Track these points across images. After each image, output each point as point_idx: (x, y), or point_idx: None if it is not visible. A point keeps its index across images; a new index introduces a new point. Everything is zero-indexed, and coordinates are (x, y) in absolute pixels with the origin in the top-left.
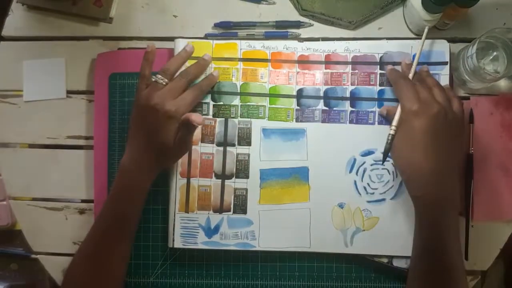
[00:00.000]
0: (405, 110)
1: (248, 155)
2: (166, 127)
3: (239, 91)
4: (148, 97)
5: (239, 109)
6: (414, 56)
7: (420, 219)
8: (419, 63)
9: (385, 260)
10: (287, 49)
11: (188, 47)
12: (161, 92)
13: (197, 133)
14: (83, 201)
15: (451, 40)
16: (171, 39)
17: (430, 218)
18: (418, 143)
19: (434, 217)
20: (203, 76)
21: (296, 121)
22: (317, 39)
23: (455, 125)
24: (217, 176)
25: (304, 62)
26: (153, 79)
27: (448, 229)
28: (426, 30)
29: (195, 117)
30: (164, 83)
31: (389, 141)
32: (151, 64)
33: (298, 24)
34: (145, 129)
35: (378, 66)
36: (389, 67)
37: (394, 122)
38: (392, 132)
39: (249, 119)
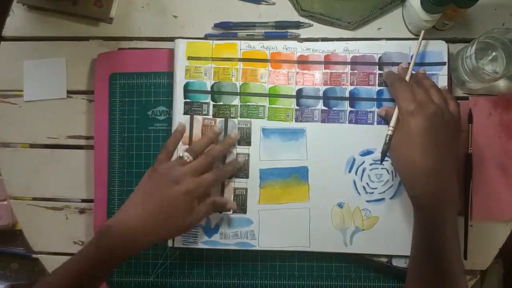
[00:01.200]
0: (401, 111)
1: (248, 155)
2: (181, 202)
3: (239, 91)
4: (170, 169)
5: (239, 109)
6: (412, 57)
7: (418, 218)
8: (417, 64)
9: (384, 260)
10: (286, 49)
11: (216, 128)
12: (184, 168)
13: (198, 133)
14: (83, 200)
15: (450, 41)
16: (171, 39)
17: (428, 217)
18: (415, 142)
19: (432, 216)
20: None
21: (296, 121)
22: (316, 40)
23: (452, 125)
24: None
25: (303, 62)
26: (180, 155)
27: (446, 228)
28: (422, 34)
29: (231, 205)
30: (188, 161)
31: (386, 141)
32: (178, 142)
33: (297, 25)
34: (157, 198)
35: (377, 67)
36: (386, 69)
37: (392, 123)
38: (389, 132)
39: (248, 119)
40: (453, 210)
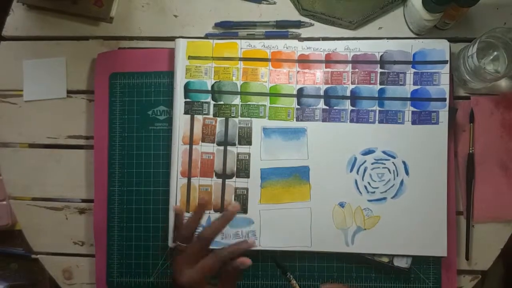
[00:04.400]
0: None
1: (249, 154)
2: None
3: (239, 90)
4: (174, 263)
5: (240, 109)
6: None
7: None
8: (419, 62)
9: (385, 260)
10: (287, 48)
11: (203, 199)
12: (179, 258)
13: (198, 133)
14: (83, 200)
15: (451, 40)
16: (172, 39)
17: None
18: None
19: None
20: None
21: (297, 120)
22: (317, 39)
23: None
24: (217, 176)
25: (304, 61)
26: (172, 247)
27: None
28: None
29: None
30: (183, 247)
31: None
32: (191, 232)
33: (298, 24)
34: None
35: (379, 65)
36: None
37: None
38: None
39: (249, 119)
40: None
